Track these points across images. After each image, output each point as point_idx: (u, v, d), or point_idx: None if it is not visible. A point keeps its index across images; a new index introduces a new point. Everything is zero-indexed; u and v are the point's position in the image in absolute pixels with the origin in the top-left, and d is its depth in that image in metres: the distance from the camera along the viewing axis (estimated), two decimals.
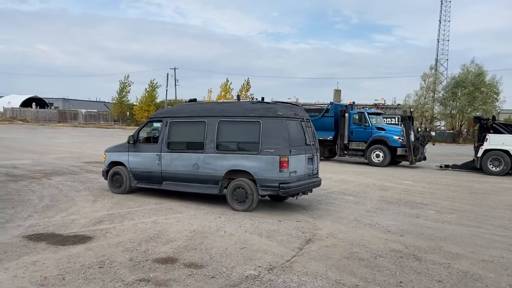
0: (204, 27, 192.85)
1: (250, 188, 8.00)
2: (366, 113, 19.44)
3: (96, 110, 66.90)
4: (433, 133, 24.72)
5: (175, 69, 61.56)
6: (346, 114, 19.32)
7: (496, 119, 17.87)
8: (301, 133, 8.44)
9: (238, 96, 17.74)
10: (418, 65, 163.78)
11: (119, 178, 9.69)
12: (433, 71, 51.27)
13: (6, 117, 61.03)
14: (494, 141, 16.23)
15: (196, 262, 5.17)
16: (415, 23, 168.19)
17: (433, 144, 24.38)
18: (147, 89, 59.71)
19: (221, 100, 39.28)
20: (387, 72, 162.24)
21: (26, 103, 68.34)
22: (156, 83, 60.37)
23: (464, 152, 29.21)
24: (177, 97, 62.49)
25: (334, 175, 14.44)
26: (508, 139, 16.04)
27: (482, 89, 42.40)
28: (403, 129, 18.34)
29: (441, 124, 51.26)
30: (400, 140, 18.18)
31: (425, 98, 47.35)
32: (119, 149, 9.91)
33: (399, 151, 18.17)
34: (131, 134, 9.73)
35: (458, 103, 43.54)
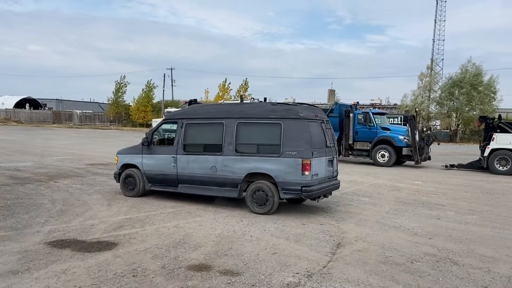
0: (199, 27, 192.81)
1: (271, 191, 7.84)
2: (371, 113, 19.35)
3: (91, 111, 66.33)
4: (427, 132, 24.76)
5: (171, 69, 61.24)
6: (351, 114, 19.20)
7: (503, 118, 17.82)
8: (321, 135, 8.30)
9: (241, 97, 17.63)
10: (411, 65, 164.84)
11: (132, 181, 9.48)
12: (429, 71, 51.40)
13: (0, 118, 60.30)
14: (501, 140, 16.19)
15: (232, 269, 5.00)
16: (408, 23, 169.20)
17: (438, 144, 24.39)
18: (144, 90, 59.32)
19: (221, 101, 39.05)
20: (380, 72, 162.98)
21: (20, 104, 67.58)
22: (153, 84, 60.04)
23: (465, 151, 29.30)
24: (174, 97, 62.14)
25: (343, 176, 14.26)
26: None
27: (480, 88, 42.56)
28: (408, 129, 18.29)
29: (437, 124, 51.44)
30: (406, 140, 18.11)
31: (422, 98, 47.47)
32: (132, 151, 9.69)
33: (405, 151, 18.10)
34: (144, 136, 9.51)
35: (455, 103, 43.66)
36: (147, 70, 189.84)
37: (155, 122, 32.96)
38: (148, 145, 9.26)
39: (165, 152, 9.04)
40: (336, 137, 19.12)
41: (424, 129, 20.34)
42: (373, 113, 19.64)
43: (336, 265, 5.28)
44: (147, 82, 59.96)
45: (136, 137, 37.48)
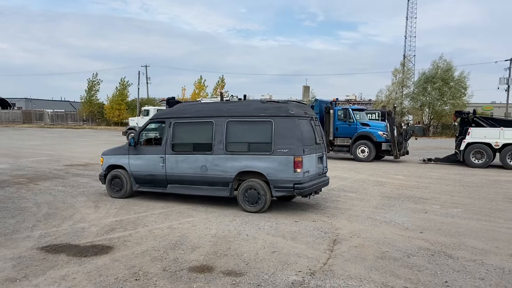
0: (172, 24, 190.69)
1: (263, 189, 7.85)
2: (350, 110, 19.64)
3: (63, 110, 64.65)
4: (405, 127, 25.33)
5: (146, 66, 60.05)
6: (331, 111, 19.43)
7: (477, 112, 18.38)
8: (311, 132, 8.36)
9: (221, 94, 17.50)
10: (383, 61, 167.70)
11: (118, 182, 9.30)
12: (402, 67, 52.46)
13: None
14: (476, 134, 16.70)
15: (234, 270, 4.98)
16: (379, 20, 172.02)
17: (416, 138, 24.94)
18: (118, 88, 58.17)
19: (199, 99, 38.72)
20: (353, 68, 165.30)
21: None
22: (127, 81, 58.92)
23: (438, 145, 30.09)
24: (149, 95, 61.16)
25: None
26: (489, 132, 16.54)
27: (451, 83, 43.78)
28: (387, 124, 18.62)
29: (410, 118, 52.62)
30: (385, 135, 18.45)
31: (396, 93, 48.44)
32: (118, 152, 9.50)
33: (384, 146, 18.45)
34: (121, 134, 9.33)
35: (428, 98, 44.74)
36: (120, 68, 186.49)
37: (132, 120, 32.33)
38: (135, 145, 9.10)
39: (153, 152, 8.91)
40: None
41: (402, 124, 20.77)
42: (353, 109, 19.92)
43: (336, 262, 5.34)
44: (121, 80, 58.76)
45: (112, 136, 36.82)
